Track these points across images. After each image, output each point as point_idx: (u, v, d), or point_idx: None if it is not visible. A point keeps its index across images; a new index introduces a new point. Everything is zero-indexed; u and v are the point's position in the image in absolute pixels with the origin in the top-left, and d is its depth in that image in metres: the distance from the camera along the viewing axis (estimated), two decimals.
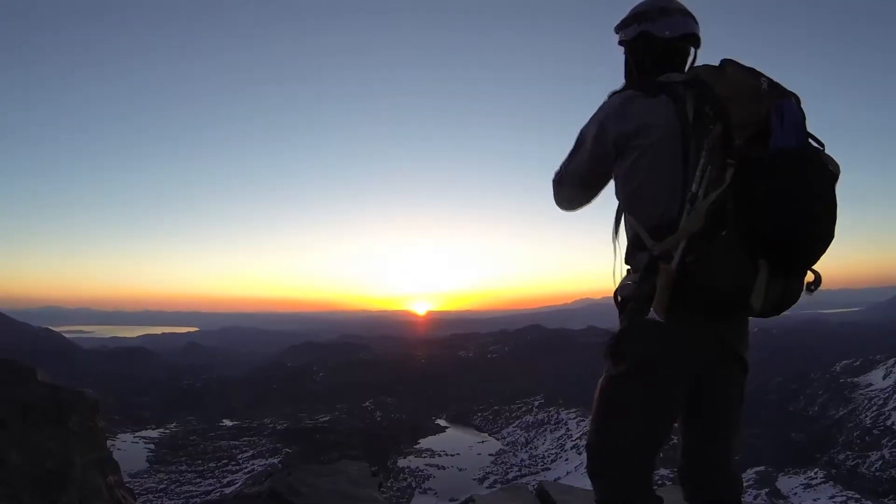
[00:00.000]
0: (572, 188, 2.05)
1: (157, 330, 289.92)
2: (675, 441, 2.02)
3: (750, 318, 1.87)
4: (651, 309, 1.69)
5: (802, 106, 1.74)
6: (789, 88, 1.76)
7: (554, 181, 2.09)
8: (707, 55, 1.96)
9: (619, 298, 1.88)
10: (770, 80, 1.73)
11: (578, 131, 1.99)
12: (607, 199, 2.05)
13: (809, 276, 1.70)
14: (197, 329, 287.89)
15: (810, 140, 1.71)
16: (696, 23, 1.96)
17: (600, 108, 1.92)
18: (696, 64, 1.94)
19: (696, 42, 1.97)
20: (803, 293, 1.72)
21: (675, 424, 1.95)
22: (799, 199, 1.57)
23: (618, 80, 2.07)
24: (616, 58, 2.15)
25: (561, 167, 2.06)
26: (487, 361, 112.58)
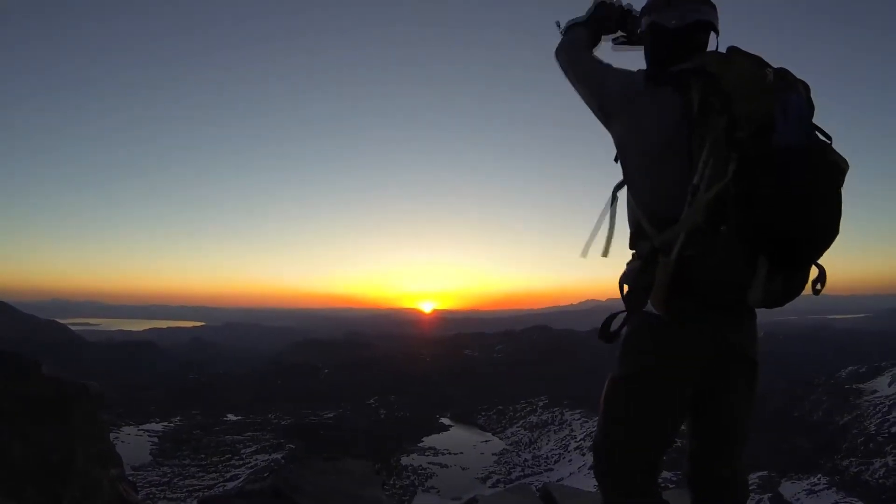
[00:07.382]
0: (566, 62, 2.12)
1: (164, 324, 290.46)
2: (679, 444, 1.99)
3: (756, 317, 1.84)
4: (649, 301, 1.67)
5: (812, 94, 1.67)
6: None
7: (564, 41, 2.17)
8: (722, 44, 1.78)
9: (624, 288, 1.85)
10: (775, 71, 1.66)
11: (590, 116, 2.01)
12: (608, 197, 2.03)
13: (814, 271, 1.65)
14: (203, 324, 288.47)
15: (817, 133, 1.63)
16: (712, 8, 1.87)
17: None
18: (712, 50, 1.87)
19: (712, 29, 1.88)
20: (809, 293, 1.67)
21: (683, 427, 1.93)
22: (799, 197, 1.51)
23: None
24: (624, 57, 2.15)
25: (573, 34, 2.15)
26: (492, 361, 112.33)
